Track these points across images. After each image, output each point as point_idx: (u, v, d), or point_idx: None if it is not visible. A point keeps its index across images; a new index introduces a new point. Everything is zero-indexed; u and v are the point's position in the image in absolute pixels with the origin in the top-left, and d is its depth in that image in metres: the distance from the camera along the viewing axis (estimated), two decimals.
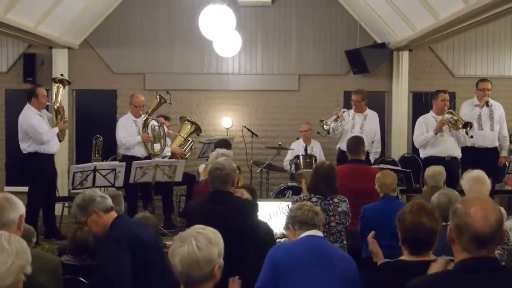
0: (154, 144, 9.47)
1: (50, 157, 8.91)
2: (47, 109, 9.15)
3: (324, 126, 9.54)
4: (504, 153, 9.46)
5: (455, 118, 8.96)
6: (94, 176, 8.29)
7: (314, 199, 5.79)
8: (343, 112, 9.70)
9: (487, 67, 11.65)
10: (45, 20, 9.33)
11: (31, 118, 8.64)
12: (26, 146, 8.69)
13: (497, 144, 9.39)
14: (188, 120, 10.22)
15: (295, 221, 4.28)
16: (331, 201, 5.82)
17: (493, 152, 9.35)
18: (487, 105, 9.22)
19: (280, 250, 4.19)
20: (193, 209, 5.12)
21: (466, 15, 7.57)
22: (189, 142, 10.21)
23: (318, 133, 9.83)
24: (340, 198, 5.87)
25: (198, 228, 2.92)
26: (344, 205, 5.86)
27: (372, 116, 9.93)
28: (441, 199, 4.53)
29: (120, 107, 11.18)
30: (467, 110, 9.42)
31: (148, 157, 9.35)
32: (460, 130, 8.84)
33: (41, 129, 8.62)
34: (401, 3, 9.21)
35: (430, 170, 7.05)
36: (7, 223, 3.71)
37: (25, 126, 8.61)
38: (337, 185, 5.96)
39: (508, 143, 9.52)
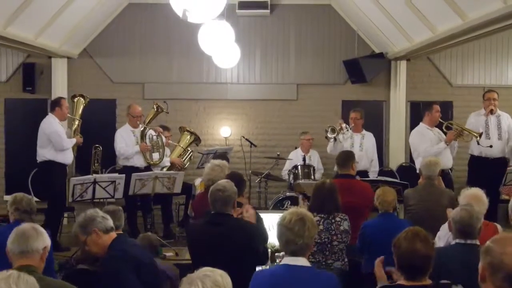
0: (153, 154, 9.52)
1: (64, 167, 9.08)
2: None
3: (329, 134, 9.55)
4: None
5: (459, 128, 9.01)
6: (94, 188, 8.34)
7: (317, 218, 5.82)
8: (346, 127, 9.73)
9: (484, 76, 11.73)
10: (45, 32, 9.36)
11: (55, 124, 8.93)
12: (45, 152, 8.88)
13: (504, 153, 9.37)
14: (187, 131, 10.29)
15: (282, 241, 4.04)
16: (333, 220, 5.83)
17: (501, 162, 9.27)
18: (491, 113, 9.25)
19: (258, 278, 4.11)
20: (194, 230, 5.16)
21: (463, 31, 7.63)
22: (189, 152, 10.27)
23: (326, 137, 9.71)
24: (342, 217, 5.88)
25: (207, 270, 2.89)
26: (346, 224, 5.87)
27: (369, 136, 10.06)
28: (463, 215, 4.53)
29: (120, 116, 11.23)
30: (473, 119, 9.46)
31: (148, 167, 9.41)
32: (477, 139, 8.90)
33: (63, 136, 8.89)
34: (399, 16, 9.26)
35: (426, 160, 7.12)
36: (31, 251, 3.83)
37: (48, 131, 8.84)
38: (340, 203, 6.01)
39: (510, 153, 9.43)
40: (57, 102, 9.11)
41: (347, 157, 7.38)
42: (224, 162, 6.89)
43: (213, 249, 4.81)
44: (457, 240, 4.52)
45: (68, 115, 9.22)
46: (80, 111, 9.50)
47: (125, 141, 9.39)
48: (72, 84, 11.21)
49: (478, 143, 8.99)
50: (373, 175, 9.93)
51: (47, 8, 8.87)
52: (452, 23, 7.75)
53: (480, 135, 8.89)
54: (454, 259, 4.12)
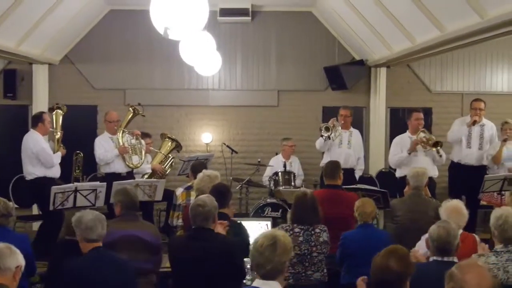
0: (133, 157, 9.54)
1: (54, 181, 9.04)
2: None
3: (323, 133, 9.60)
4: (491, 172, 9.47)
5: (427, 137, 9.11)
6: (75, 196, 8.31)
7: (296, 230, 5.90)
8: (337, 124, 9.80)
9: (463, 83, 11.87)
10: (27, 40, 9.32)
11: (42, 142, 8.92)
12: (34, 170, 8.89)
13: (484, 162, 9.47)
14: (168, 137, 10.31)
15: (253, 264, 3.95)
16: (313, 232, 5.90)
17: (480, 170, 9.38)
18: (473, 124, 9.33)
19: None
20: (175, 245, 5.20)
21: (441, 42, 7.73)
22: (170, 159, 10.30)
23: (322, 136, 9.68)
24: (321, 228, 5.96)
25: None
26: (325, 235, 5.95)
27: (356, 133, 10.16)
28: (440, 232, 4.60)
29: (101, 122, 11.13)
30: (456, 127, 9.57)
31: (130, 173, 9.44)
32: (433, 149, 9.01)
33: (50, 152, 8.92)
34: (378, 25, 9.35)
35: (413, 171, 7.18)
36: (4, 269, 3.90)
37: (35, 150, 8.81)
38: (321, 215, 6.08)
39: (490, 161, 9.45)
40: (39, 118, 9.04)
41: (335, 168, 7.48)
42: (216, 173, 6.95)
43: (194, 263, 4.87)
44: (434, 257, 4.60)
45: (50, 129, 9.19)
46: (60, 123, 9.43)
47: (104, 147, 9.42)
48: (53, 90, 11.18)
49: (438, 152, 9.06)
50: (358, 174, 10.06)
51: (29, 16, 8.83)
52: (430, 34, 7.84)
53: (434, 144, 8.97)
54: (430, 276, 4.19)
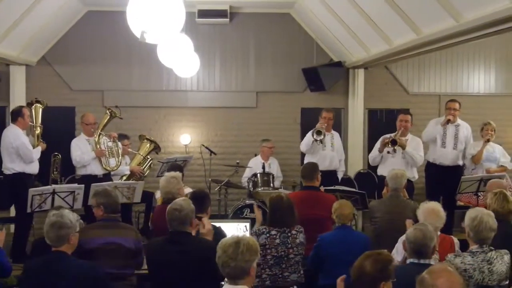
0: (110, 159, 9.50)
1: (32, 177, 9.03)
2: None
3: (315, 136, 9.55)
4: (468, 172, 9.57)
5: (392, 136, 9.18)
6: (53, 199, 8.27)
7: (273, 232, 5.92)
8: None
9: (440, 84, 11.98)
10: (4, 41, 9.25)
11: (22, 136, 8.85)
12: (13, 166, 8.81)
13: (459, 162, 9.53)
14: (147, 139, 10.27)
15: (219, 264, 3.96)
16: (289, 233, 5.93)
17: (455, 170, 9.46)
18: (447, 123, 9.39)
19: None
20: (152, 248, 5.18)
21: (418, 45, 7.79)
22: (148, 160, 10.27)
23: (315, 140, 9.57)
24: (297, 230, 5.99)
25: None
26: (301, 236, 5.99)
27: (337, 135, 10.18)
28: (417, 235, 4.64)
29: (79, 124, 11.08)
30: (431, 127, 9.64)
31: (107, 175, 9.40)
32: (389, 147, 9.06)
33: (30, 147, 8.85)
34: (356, 28, 9.41)
35: (392, 173, 7.20)
36: None
37: (15, 144, 8.74)
38: (297, 216, 6.10)
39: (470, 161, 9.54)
40: (19, 112, 8.98)
41: (313, 169, 7.49)
42: (178, 173, 6.97)
43: (171, 267, 4.88)
44: (411, 260, 4.65)
45: (30, 123, 9.15)
46: (39, 118, 9.41)
47: (81, 149, 9.36)
48: (31, 91, 11.04)
49: (395, 151, 9.11)
50: (340, 175, 10.12)
51: (6, 18, 8.79)
52: (407, 37, 7.92)
53: (392, 142, 9.03)
54: (406, 278, 4.24)
